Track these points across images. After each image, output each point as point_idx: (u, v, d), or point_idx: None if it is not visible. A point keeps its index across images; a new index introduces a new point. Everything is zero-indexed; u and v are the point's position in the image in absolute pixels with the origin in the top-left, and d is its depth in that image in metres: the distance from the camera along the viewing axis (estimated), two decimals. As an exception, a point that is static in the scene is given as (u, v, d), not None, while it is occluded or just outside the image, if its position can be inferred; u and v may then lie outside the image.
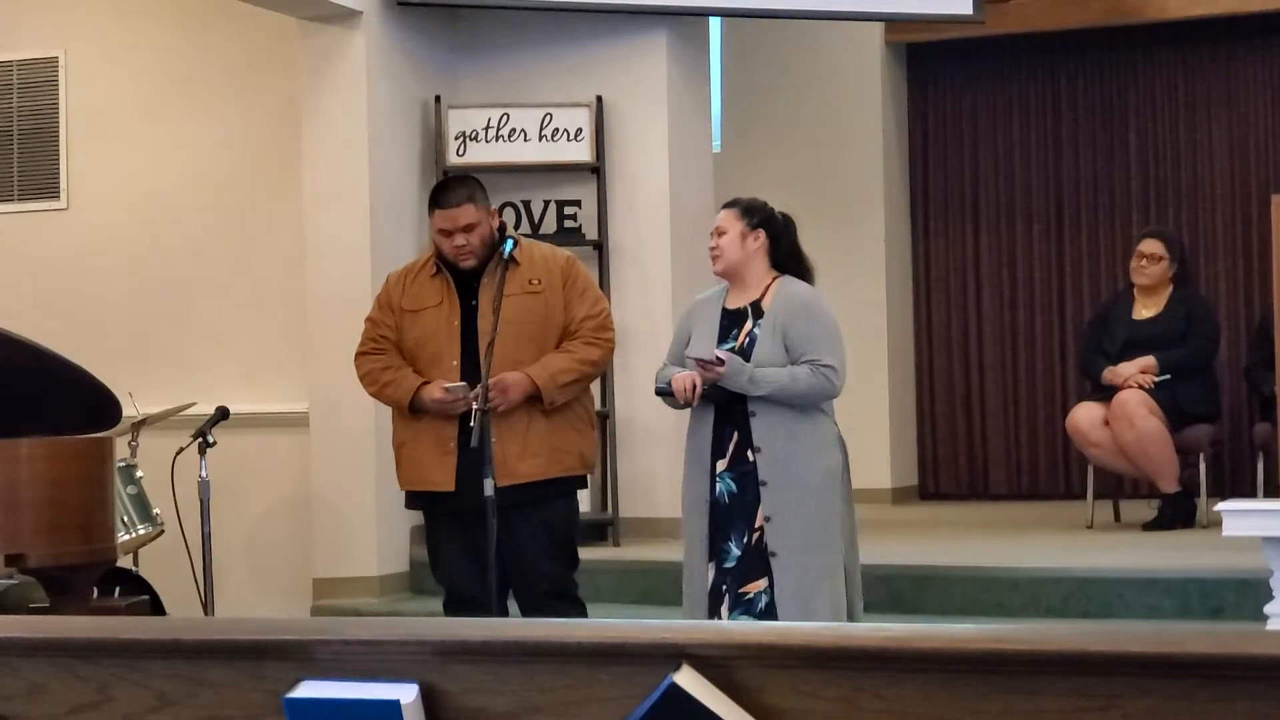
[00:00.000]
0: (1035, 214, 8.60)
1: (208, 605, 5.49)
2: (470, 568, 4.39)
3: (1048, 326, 8.57)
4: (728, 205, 4.58)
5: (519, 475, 4.43)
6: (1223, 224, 8.31)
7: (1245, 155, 8.25)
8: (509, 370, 4.39)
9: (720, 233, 4.48)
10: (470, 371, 4.44)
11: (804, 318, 4.41)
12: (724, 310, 4.50)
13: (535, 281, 4.51)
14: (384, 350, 4.61)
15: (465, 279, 4.51)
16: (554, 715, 1.75)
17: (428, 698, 1.76)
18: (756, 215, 4.50)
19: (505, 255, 4.42)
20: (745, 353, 4.38)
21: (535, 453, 4.45)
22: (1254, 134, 8.25)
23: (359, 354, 4.68)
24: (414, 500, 4.70)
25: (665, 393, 4.49)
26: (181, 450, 5.58)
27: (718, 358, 4.30)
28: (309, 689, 1.79)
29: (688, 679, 1.67)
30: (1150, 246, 6.79)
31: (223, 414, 5.58)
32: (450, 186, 4.61)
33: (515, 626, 1.83)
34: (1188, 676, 1.59)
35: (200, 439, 5.47)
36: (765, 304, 4.45)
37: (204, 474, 5.47)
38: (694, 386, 4.35)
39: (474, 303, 4.49)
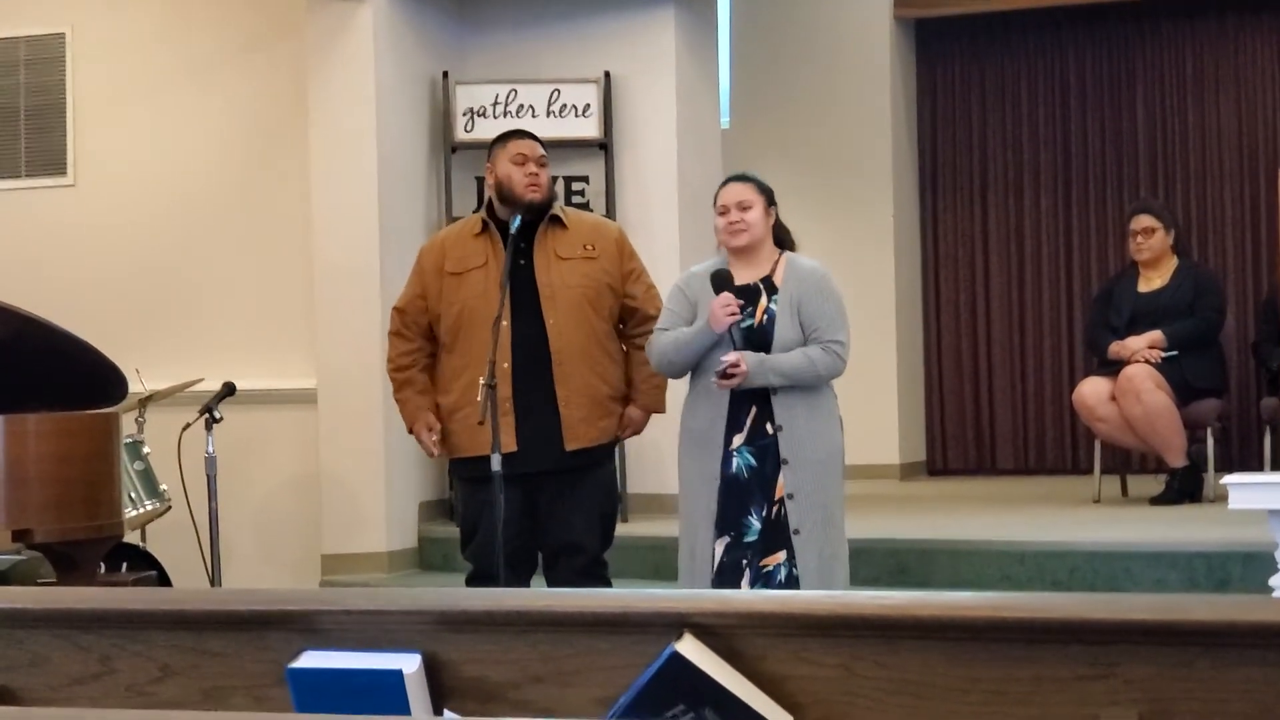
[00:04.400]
0: (1043, 189, 8.58)
1: (215, 581, 5.49)
2: (511, 542, 4.34)
3: (1055, 301, 8.55)
4: (740, 180, 4.48)
5: (588, 439, 4.54)
6: (1230, 198, 8.28)
7: (1253, 129, 8.22)
8: (571, 333, 4.48)
9: (745, 207, 4.39)
10: (523, 329, 4.42)
11: (818, 295, 4.39)
12: (733, 285, 4.42)
13: (590, 247, 4.59)
14: (406, 338, 4.65)
15: (512, 236, 4.48)
16: (556, 684, 1.76)
17: (430, 667, 1.76)
18: (770, 192, 4.49)
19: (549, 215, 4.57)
20: (766, 330, 4.35)
21: (602, 415, 4.57)
22: (1262, 108, 8.21)
23: (390, 333, 4.76)
24: (465, 468, 4.65)
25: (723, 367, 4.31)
26: (188, 426, 5.58)
27: (735, 362, 4.26)
28: (312, 659, 1.79)
29: (689, 648, 1.67)
30: (1142, 221, 6.76)
31: (229, 390, 5.58)
32: (524, 131, 4.82)
33: (517, 597, 1.83)
34: (1188, 644, 1.58)
35: (206, 415, 5.47)
36: (778, 280, 4.41)
37: (210, 450, 5.47)
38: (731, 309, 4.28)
39: (522, 262, 4.50)
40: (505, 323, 4.39)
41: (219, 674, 1.86)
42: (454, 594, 1.84)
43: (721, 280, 4.35)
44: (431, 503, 6.57)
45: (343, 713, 1.73)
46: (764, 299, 4.40)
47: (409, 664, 1.75)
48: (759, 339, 4.35)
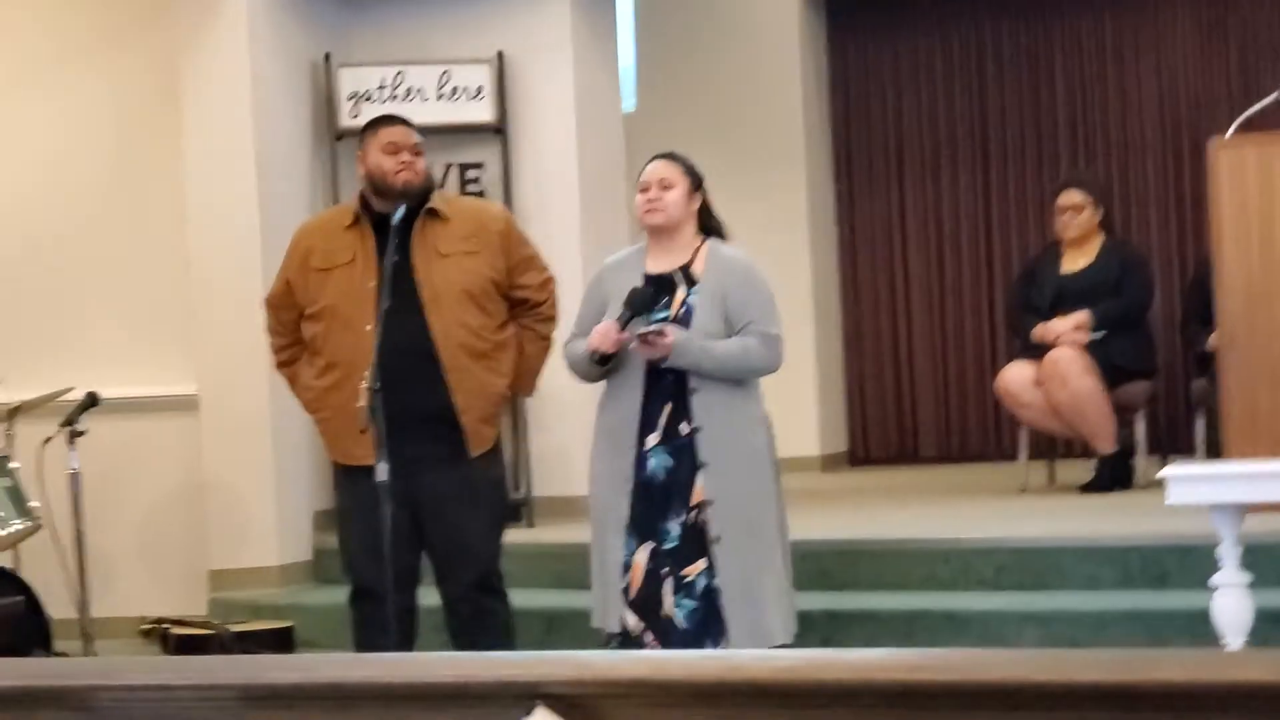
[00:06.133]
0: (961, 166, 8.39)
1: (84, 606, 5.11)
2: (396, 561, 3.97)
3: (976, 282, 8.37)
4: (665, 158, 4.23)
5: (487, 439, 4.27)
6: (1153, 172, 8.11)
7: (1175, 102, 8.05)
8: (457, 333, 4.16)
9: (666, 185, 4.14)
10: (401, 332, 4.05)
11: (744, 285, 4.13)
12: (646, 275, 4.16)
13: (473, 240, 4.27)
14: (281, 334, 4.37)
15: (387, 232, 4.13)
16: (385, 768, 1.47)
17: (231, 753, 1.48)
18: (697, 175, 4.23)
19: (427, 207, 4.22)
20: (683, 324, 4.08)
21: (496, 415, 4.33)
22: (1183, 79, 8.04)
23: (268, 328, 4.45)
24: (340, 477, 4.39)
25: (596, 362, 4.09)
26: (48, 440, 5.19)
27: (662, 330, 3.98)
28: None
29: (544, 723, 1.41)
30: (1070, 198, 6.51)
31: (91, 400, 5.18)
32: (395, 117, 4.46)
33: (334, 666, 1.52)
34: (1149, 709, 1.32)
35: (69, 428, 5.08)
36: (697, 269, 4.14)
37: (74, 465, 5.08)
38: (615, 334, 4.03)
39: (398, 259, 4.12)
40: (369, 328, 4.04)
41: (-24, 768, 1.55)
42: (258, 663, 1.53)
43: (639, 301, 4.05)
44: (327, 511, 6.22)
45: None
46: (682, 290, 4.12)
47: (204, 751, 1.48)
48: None
